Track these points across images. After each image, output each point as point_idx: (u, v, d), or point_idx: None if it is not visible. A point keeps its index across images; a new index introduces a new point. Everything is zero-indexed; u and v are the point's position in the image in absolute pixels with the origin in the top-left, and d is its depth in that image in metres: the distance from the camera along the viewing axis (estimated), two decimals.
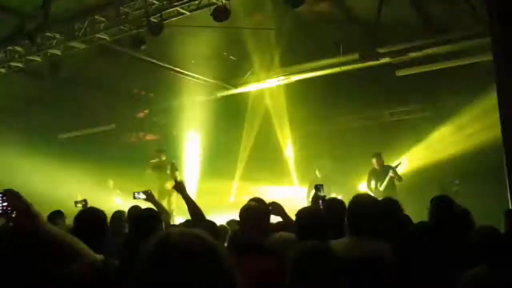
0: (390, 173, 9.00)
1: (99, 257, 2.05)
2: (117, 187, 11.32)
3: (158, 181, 10.41)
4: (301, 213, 3.30)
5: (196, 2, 7.31)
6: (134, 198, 5.03)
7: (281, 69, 10.22)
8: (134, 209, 5.15)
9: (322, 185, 4.67)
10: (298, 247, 2.10)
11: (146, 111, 13.25)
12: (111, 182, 11.44)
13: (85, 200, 5.83)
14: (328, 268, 1.93)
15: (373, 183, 9.34)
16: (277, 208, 4.01)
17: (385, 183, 9.02)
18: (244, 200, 3.79)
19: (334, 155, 11.18)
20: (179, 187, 4.51)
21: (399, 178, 9.10)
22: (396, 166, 9.27)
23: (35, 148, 10.97)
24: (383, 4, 8.06)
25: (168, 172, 10.36)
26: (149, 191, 4.96)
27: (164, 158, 10.71)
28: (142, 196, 4.93)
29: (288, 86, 10.50)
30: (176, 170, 10.38)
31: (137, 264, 1.20)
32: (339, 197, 7.52)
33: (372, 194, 8.24)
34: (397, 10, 8.31)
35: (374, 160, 9.38)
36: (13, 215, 1.95)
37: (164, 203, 8.98)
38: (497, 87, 5.67)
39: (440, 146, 9.96)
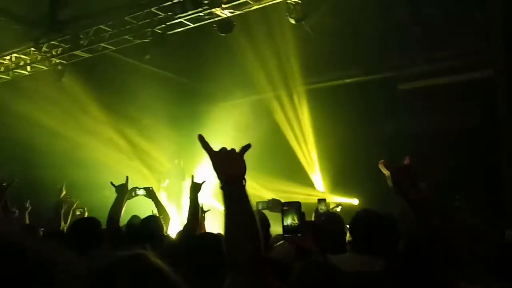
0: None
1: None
2: None
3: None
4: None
5: (201, 14, 7.38)
6: (134, 194, 4.72)
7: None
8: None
9: (325, 200, 4.70)
10: (303, 263, 2.10)
11: None
12: None
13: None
14: (335, 284, 1.92)
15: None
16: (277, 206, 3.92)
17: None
18: None
19: None
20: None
21: None
22: None
23: None
24: None
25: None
26: (151, 188, 4.85)
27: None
28: (142, 192, 4.76)
29: None
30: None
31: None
32: (338, 209, 7.55)
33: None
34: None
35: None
36: None
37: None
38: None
39: None
